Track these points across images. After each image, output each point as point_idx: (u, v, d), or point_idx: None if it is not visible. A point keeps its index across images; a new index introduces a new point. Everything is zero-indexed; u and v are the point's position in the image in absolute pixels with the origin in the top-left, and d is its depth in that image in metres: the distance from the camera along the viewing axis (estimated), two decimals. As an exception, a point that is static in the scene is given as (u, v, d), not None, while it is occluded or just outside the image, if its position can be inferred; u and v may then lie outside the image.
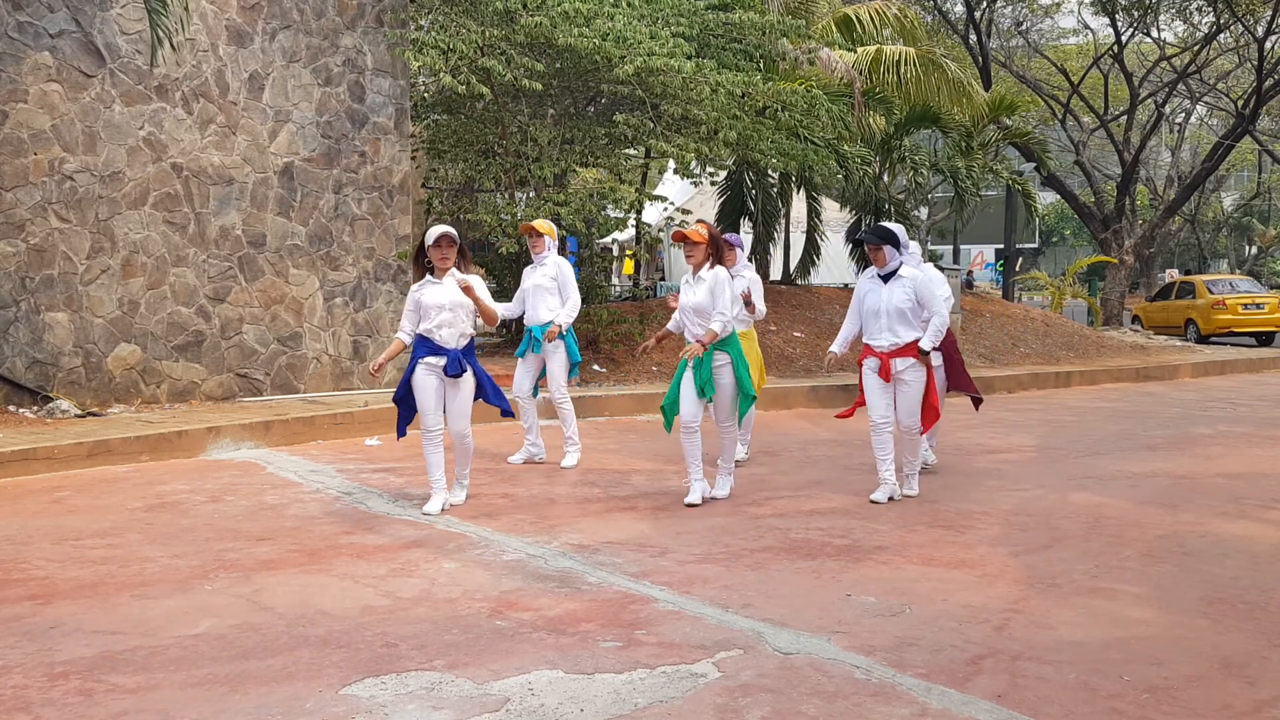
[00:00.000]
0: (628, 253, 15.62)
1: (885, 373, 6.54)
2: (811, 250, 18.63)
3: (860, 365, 6.68)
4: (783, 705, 3.45)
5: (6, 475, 7.00)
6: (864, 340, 6.69)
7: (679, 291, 6.64)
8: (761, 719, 3.35)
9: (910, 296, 6.49)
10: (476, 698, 3.50)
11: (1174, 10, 25.06)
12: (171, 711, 3.39)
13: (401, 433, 6.49)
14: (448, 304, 6.15)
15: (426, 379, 6.20)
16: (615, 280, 21.90)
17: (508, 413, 6.54)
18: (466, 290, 6.07)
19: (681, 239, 6.37)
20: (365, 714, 3.37)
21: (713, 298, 6.34)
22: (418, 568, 5.03)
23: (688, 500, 6.44)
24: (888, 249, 6.54)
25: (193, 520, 5.97)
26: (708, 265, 6.42)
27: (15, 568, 4.98)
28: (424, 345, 6.20)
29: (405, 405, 6.35)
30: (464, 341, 6.23)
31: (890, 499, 6.58)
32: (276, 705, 3.43)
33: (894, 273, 6.55)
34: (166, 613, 4.34)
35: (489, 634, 4.10)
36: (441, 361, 6.16)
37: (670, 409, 6.57)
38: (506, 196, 12.26)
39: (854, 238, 6.80)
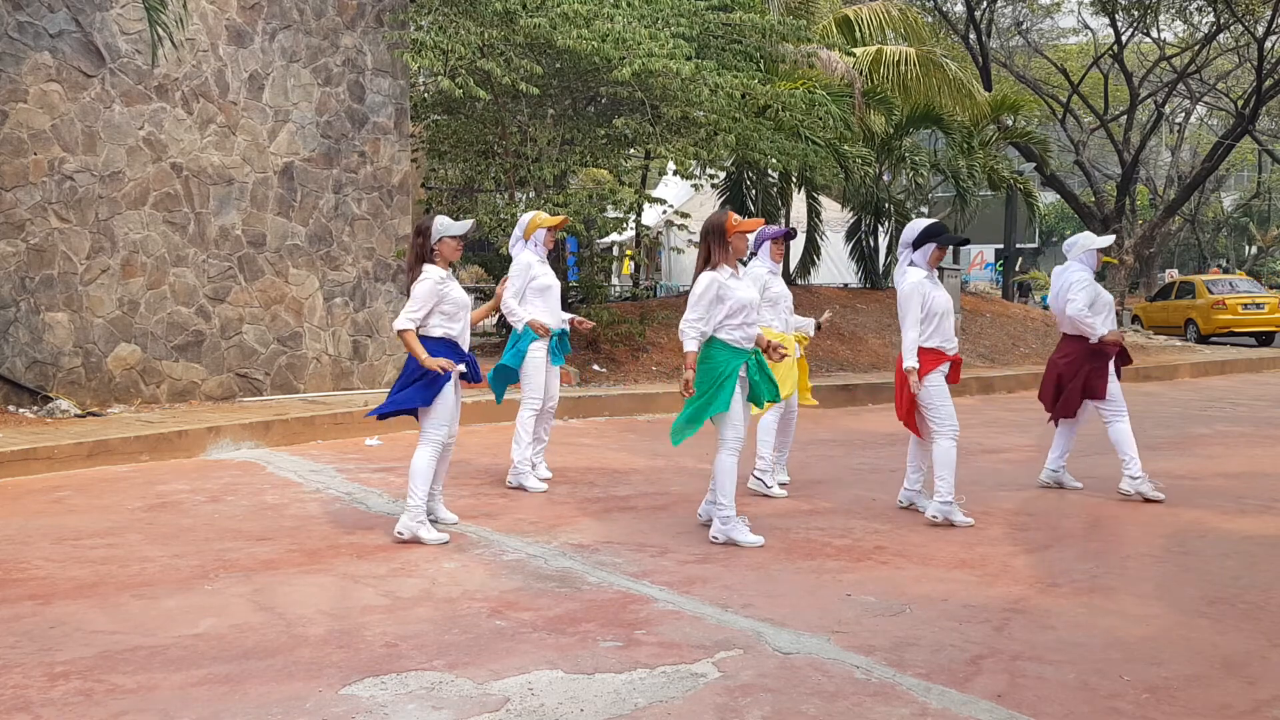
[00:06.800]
0: (627, 253, 15.63)
1: (956, 376, 6.09)
2: (812, 250, 18.65)
3: (921, 376, 5.94)
4: (783, 705, 3.45)
5: (6, 475, 7.00)
6: (928, 345, 5.97)
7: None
8: (761, 719, 3.35)
9: None
10: (476, 698, 3.50)
11: (1174, 10, 25.06)
12: (171, 711, 3.38)
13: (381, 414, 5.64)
14: (466, 304, 5.65)
15: (450, 389, 5.58)
16: (615, 281, 21.92)
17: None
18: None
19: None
20: (365, 714, 3.37)
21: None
22: (418, 568, 5.03)
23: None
24: None
25: (193, 520, 5.97)
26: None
27: (15, 568, 4.98)
28: (447, 348, 5.52)
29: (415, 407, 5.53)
30: None
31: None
32: (276, 705, 3.43)
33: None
34: (166, 613, 4.33)
35: (489, 634, 4.10)
36: (463, 368, 5.65)
37: (698, 424, 5.51)
38: (506, 197, 12.26)
39: (937, 236, 6.23)
